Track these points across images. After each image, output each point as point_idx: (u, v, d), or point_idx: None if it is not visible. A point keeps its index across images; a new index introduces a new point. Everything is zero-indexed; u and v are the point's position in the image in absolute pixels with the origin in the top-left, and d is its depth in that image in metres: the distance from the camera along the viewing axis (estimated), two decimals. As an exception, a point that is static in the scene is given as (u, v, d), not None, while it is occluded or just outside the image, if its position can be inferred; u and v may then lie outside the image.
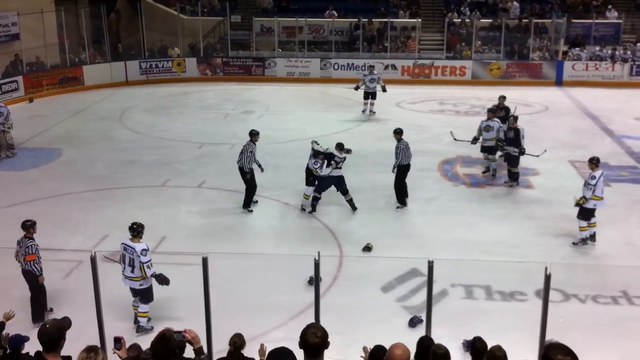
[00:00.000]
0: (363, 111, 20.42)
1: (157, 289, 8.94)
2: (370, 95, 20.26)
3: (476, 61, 26.38)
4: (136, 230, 8.70)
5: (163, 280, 8.63)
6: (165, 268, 10.19)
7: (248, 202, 12.90)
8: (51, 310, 9.20)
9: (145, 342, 5.57)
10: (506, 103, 16.01)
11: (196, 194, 13.97)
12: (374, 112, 20.24)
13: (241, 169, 12.87)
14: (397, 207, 13.02)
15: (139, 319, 8.82)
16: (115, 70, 25.71)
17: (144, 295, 8.80)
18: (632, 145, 17.17)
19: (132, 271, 8.61)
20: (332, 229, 11.88)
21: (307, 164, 12.97)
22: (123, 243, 8.72)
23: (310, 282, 9.54)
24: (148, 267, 8.53)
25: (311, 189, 12.81)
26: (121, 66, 25.85)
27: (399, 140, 13.26)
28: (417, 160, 15.87)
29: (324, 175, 12.64)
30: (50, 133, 18.88)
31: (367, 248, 11.06)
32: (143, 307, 8.82)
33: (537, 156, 14.10)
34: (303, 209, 12.85)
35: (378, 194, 13.66)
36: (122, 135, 18.68)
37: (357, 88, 20.24)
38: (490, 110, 14.91)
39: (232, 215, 12.74)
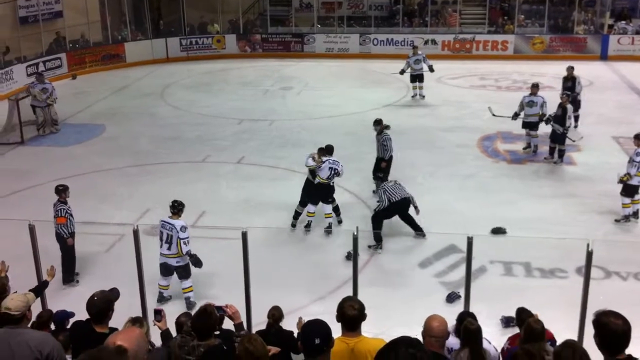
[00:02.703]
0: (413, 96, 19.29)
1: (200, 258, 9.08)
2: (417, 78, 19.03)
3: (519, 35, 25.89)
4: (176, 208, 8.83)
5: (197, 261, 8.70)
6: (205, 242, 10.37)
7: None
8: (77, 282, 9.48)
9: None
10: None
11: (236, 170, 14.10)
12: (424, 97, 19.13)
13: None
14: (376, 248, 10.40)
15: (186, 294, 8.92)
16: (156, 47, 25.92)
17: (182, 272, 8.90)
18: (679, 121, 16.74)
19: (169, 248, 8.72)
20: (371, 206, 11.87)
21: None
22: (162, 220, 8.87)
23: (348, 257, 9.60)
24: (185, 243, 8.62)
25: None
26: (162, 43, 26.06)
27: (381, 132, 12.19)
28: (456, 136, 15.84)
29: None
30: (93, 109, 19.19)
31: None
32: (187, 283, 8.92)
33: (574, 141, 13.86)
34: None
35: (417, 171, 13.59)
36: (164, 112, 18.89)
37: (402, 72, 18.92)
38: (534, 86, 14.66)
39: (272, 190, 12.82)
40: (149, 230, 10.37)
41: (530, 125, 14.40)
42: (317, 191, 10.92)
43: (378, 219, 10.44)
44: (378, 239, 10.34)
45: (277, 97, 20.50)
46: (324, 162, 10.81)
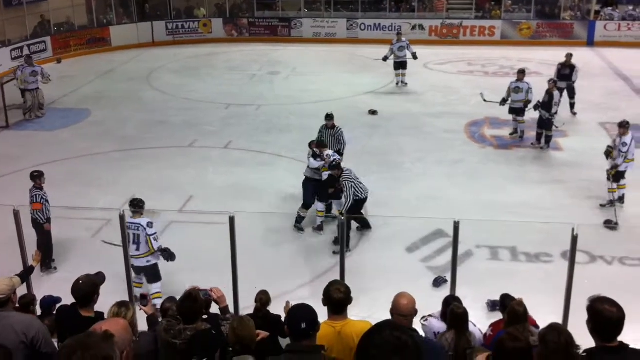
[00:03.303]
0: (397, 84, 19.08)
1: (187, 246, 9.06)
2: (400, 65, 18.83)
3: (506, 21, 25.90)
4: (137, 206, 8.49)
5: (169, 255, 8.38)
6: (192, 227, 10.38)
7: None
8: (55, 268, 9.41)
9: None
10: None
11: (223, 155, 14.06)
12: (406, 84, 18.97)
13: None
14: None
15: (154, 300, 8.12)
16: (142, 31, 25.72)
17: (152, 274, 8.57)
18: (664, 107, 16.85)
19: (138, 248, 8.36)
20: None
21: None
22: (127, 222, 8.31)
23: (335, 242, 9.62)
24: (155, 239, 8.32)
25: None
26: (148, 27, 25.87)
27: (333, 126, 11.65)
28: (443, 122, 15.86)
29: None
30: (79, 94, 19.04)
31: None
32: (156, 287, 8.54)
33: (557, 128, 13.91)
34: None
35: (405, 156, 13.61)
36: (150, 96, 18.78)
37: (385, 59, 18.74)
38: (520, 72, 14.68)
39: (259, 175, 12.80)
40: (108, 241, 10.33)
41: (516, 111, 14.46)
42: (324, 188, 10.48)
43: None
44: (365, 224, 10.34)
45: (264, 81, 20.42)
46: (328, 156, 10.41)
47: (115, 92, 19.22)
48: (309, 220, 10.68)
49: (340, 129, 11.75)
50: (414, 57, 18.71)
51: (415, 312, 4.58)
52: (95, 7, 25.11)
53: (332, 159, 10.29)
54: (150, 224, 8.33)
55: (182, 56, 24.05)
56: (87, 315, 4.73)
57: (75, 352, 2.29)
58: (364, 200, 10.02)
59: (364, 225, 10.33)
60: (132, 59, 23.51)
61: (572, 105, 15.91)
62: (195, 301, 4.75)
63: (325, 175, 10.23)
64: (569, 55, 15.93)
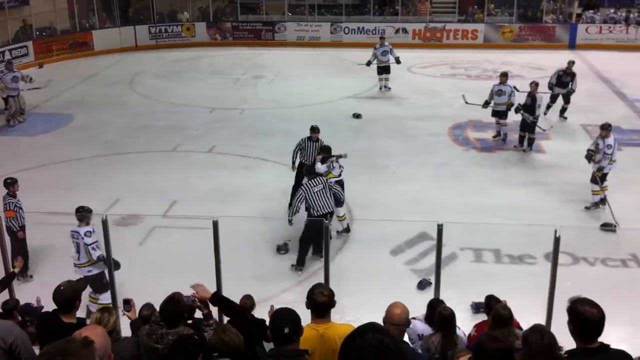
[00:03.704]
0: (380, 88, 19.03)
1: (171, 251, 9.02)
2: (383, 69, 18.77)
3: (488, 24, 26.06)
4: (81, 215, 8.24)
5: (114, 264, 7.78)
6: (176, 232, 10.33)
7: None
8: (31, 276, 9.22)
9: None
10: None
11: (207, 159, 14.01)
12: (389, 89, 18.92)
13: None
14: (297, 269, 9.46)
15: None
16: (125, 35, 25.61)
17: (96, 284, 8.24)
18: (646, 109, 17.03)
19: (79, 258, 8.15)
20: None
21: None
22: (71, 230, 8.32)
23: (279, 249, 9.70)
24: (93, 249, 8.02)
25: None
26: (130, 31, 25.76)
27: (317, 140, 11.15)
28: (428, 124, 15.92)
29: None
30: (61, 98, 18.91)
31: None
32: (104, 298, 8.03)
33: (544, 130, 13.99)
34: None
35: (389, 160, 13.64)
36: (133, 101, 18.69)
37: (369, 63, 18.71)
38: (502, 75, 14.77)
39: (243, 179, 12.77)
40: (119, 221, 10.31)
41: (499, 114, 14.54)
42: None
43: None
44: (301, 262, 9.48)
45: (248, 85, 20.41)
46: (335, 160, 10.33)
47: (97, 96, 19.10)
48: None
49: (322, 141, 11.17)
50: (397, 61, 18.73)
51: (408, 323, 4.59)
52: (77, 11, 24.97)
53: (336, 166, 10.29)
54: (88, 233, 8.07)
55: (165, 60, 23.97)
56: (69, 321, 4.68)
57: (54, 358, 2.27)
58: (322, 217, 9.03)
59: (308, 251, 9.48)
60: (114, 63, 23.39)
61: (564, 110, 15.96)
62: (177, 304, 4.71)
63: (331, 182, 10.12)
64: (571, 63, 15.89)
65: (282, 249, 9.91)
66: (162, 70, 22.49)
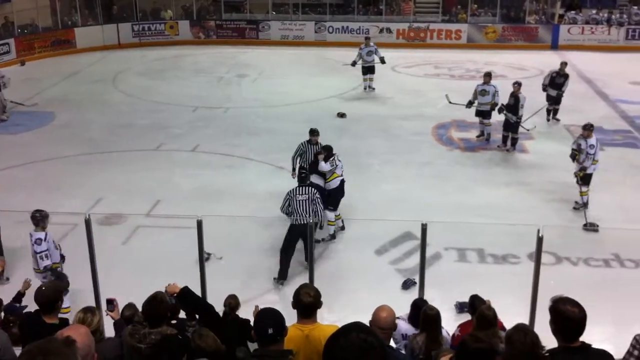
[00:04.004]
0: (364, 88, 18.99)
1: (155, 250, 8.96)
2: (368, 70, 18.73)
3: (472, 25, 26.19)
4: (36, 219, 7.96)
5: (59, 276, 7.67)
6: (160, 231, 10.28)
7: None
8: (7, 279, 9.03)
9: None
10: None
11: (190, 158, 13.95)
12: (374, 89, 18.90)
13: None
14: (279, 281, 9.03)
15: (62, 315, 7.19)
16: (108, 32, 25.45)
17: None
18: (627, 109, 17.18)
19: (36, 263, 7.92)
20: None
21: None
22: (30, 233, 8.05)
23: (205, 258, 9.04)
24: (41, 257, 7.75)
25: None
26: (113, 29, 25.59)
27: (317, 143, 10.85)
28: (411, 124, 15.97)
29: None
30: (43, 96, 18.72)
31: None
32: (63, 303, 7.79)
33: (528, 130, 14.07)
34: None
35: (373, 159, 13.66)
36: (116, 99, 18.57)
37: (354, 63, 18.62)
38: (486, 75, 14.83)
39: (227, 178, 12.73)
40: (102, 220, 10.24)
41: (483, 114, 14.60)
42: (338, 191, 10.40)
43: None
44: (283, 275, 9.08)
45: (232, 84, 20.36)
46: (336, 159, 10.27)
47: (80, 94, 18.95)
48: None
49: (321, 144, 10.86)
50: (382, 61, 18.70)
51: (395, 326, 4.59)
52: (59, 8, 24.79)
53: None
54: (39, 240, 7.77)
55: (148, 58, 23.85)
56: (51, 322, 4.65)
57: (35, 357, 2.25)
58: (299, 227, 8.83)
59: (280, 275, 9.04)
60: (97, 61, 23.23)
61: (555, 112, 16.00)
62: (160, 303, 4.69)
63: (336, 182, 10.20)
64: (564, 64, 15.91)
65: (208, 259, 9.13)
66: (145, 69, 22.37)
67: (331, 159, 10.21)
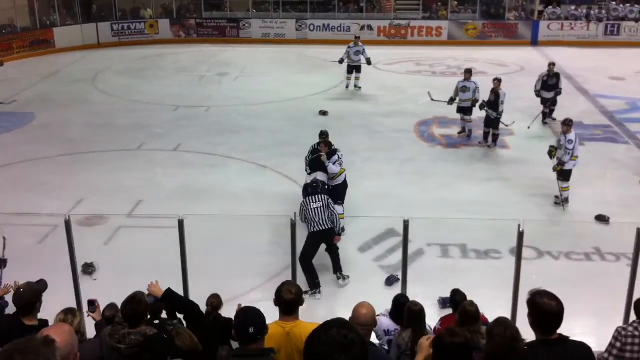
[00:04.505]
0: (347, 87, 18.83)
1: (137, 251, 8.90)
2: (354, 69, 18.56)
3: (452, 21, 26.29)
4: None
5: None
6: (142, 231, 10.22)
7: None
8: None
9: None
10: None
11: (172, 157, 13.87)
12: (360, 88, 18.76)
13: None
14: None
15: None
16: (87, 32, 25.24)
17: None
18: (606, 104, 17.33)
19: None
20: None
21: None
22: None
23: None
24: None
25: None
26: (93, 28, 25.39)
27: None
28: (393, 121, 16.00)
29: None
30: (23, 97, 18.54)
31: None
32: None
33: (507, 126, 14.15)
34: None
35: (355, 155, 13.64)
36: (96, 99, 18.43)
37: (341, 61, 18.50)
38: (467, 71, 14.89)
39: (209, 177, 12.68)
40: (83, 221, 10.17)
41: (464, 110, 14.66)
42: (345, 185, 10.43)
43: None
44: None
45: (213, 83, 20.28)
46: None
47: (60, 94, 18.79)
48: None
49: (333, 145, 10.69)
50: (368, 62, 18.50)
51: (375, 322, 4.59)
52: (38, 8, 24.54)
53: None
54: None
55: (128, 58, 23.68)
56: (31, 323, 4.61)
57: (12, 357, 2.22)
58: (318, 234, 8.86)
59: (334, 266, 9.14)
60: (76, 61, 23.05)
61: (551, 112, 15.85)
62: (138, 303, 4.66)
63: (342, 177, 10.24)
64: (553, 65, 15.72)
65: (88, 268, 9.04)
66: (125, 68, 22.22)
67: (335, 157, 10.14)
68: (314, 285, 8.63)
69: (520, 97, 16.71)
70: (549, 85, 15.50)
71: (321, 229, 8.78)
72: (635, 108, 17.17)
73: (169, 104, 17.57)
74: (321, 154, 10.25)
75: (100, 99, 18.43)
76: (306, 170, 10.56)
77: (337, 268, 9.01)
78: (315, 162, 10.34)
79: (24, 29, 24.08)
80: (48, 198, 11.64)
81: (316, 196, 9.08)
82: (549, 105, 15.70)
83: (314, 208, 8.93)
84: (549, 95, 15.53)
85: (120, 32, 25.91)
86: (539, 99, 15.72)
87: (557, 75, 15.63)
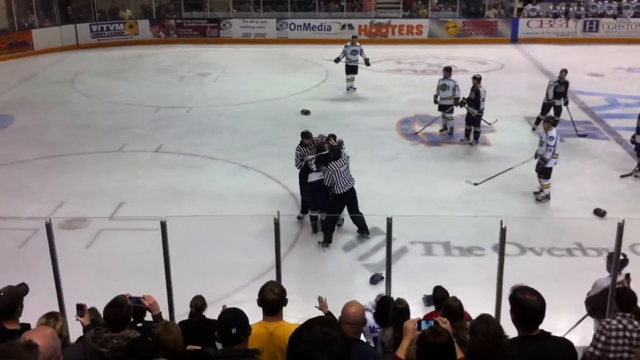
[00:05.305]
0: (348, 89, 18.55)
1: (119, 253, 8.83)
2: (352, 69, 18.33)
3: (433, 20, 26.39)
4: None
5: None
6: (124, 234, 10.14)
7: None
8: None
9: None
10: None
11: (154, 158, 13.80)
12: (355, 89, 18.57)
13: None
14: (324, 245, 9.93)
15: None
16: (66, 33, 25.06)
17: None
18: (586, 101, 17.46)
19: None
20: (292, 191, 11.84)
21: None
22: None
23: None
24: None
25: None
26: (71, 29, 25.22)
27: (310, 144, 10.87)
28: (375, 119, 16.01)
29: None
30: (1, 99, 18.37)
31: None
32: None
33: (490, 124, 14.22)
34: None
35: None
36: (76, 100, 18.29)
37: (337, 60, 18.19)
38: (446, 69, 14.92)
39: (191, 178, 12.62)
40: (64, 224, 10.07)
41: (444, 108, 14.71)
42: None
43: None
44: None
45: (194, 83, 20.20)
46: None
47: (39, 96, 18.64)
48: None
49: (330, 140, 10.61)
50: (366, 63, 18.17)
51: (364, 321, 4.60)
52: (15, 9, 24.33)
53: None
54: None
55: (107, 59, 23.53)
56: (12, 327, 4.56)
57: None
58: (347, 194, 9.86)
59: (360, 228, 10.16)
60: (55, 63, 22.87)
61: (555, 123, 15.11)
62: (121, 307, 4.62)
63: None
64: (565, 72, 15.02)
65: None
66: (105, 69, 22.07)
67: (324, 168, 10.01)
68: (328, 239, 9.84)
69: (501, 95, 16.80)
70: (558, 92, 14.84)
71: (346, 189, 9.80)
72: (615, 104, 17.35)
73: (149, 105, 17.47)
74: (331, 144, 10.20)
75: (80, 100, 18.29)
76: (311, 168, 10.38)
77: (363, 228, 10.05)
78: (332, 153, 10.06)
79: (2, 31, 23.88)
80: (28, 201, 11.53)
81: (340, 160, 9.81)
82: (556, 114, 14.61)
83: (342, 171, 9.79)
84: (559, 102, 14.89)
85: (99, 33, 25.75)
86: (516, 96, 15.69)
87: (566, 84, 14.98)
